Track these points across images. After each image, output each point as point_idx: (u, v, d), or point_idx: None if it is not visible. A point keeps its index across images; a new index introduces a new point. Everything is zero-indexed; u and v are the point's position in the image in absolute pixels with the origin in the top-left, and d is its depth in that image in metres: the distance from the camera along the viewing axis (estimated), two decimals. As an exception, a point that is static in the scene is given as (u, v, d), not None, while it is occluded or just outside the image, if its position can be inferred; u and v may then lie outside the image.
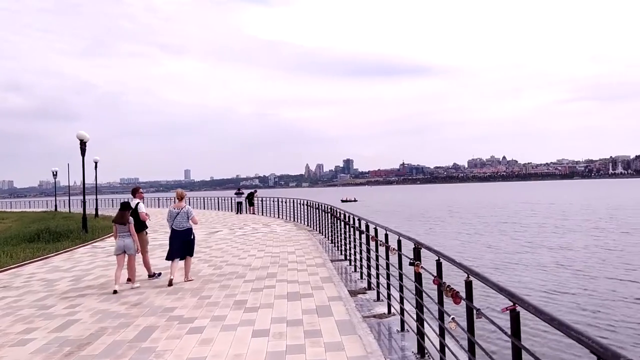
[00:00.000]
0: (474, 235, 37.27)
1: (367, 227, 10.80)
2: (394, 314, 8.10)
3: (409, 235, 7.26)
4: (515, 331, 3.41)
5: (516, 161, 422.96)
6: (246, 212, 36.90)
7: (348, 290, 9.86)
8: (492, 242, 32.77)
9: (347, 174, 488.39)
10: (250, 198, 37.21)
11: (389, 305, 8.40)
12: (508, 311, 3.43)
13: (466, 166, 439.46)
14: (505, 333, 3.47)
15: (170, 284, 10.82)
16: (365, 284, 10.68)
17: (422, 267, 6.23)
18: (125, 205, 11.53)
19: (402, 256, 7.44)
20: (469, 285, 4.52)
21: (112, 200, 62.38)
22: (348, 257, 13.63)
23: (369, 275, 10.48)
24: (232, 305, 8.76)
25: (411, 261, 6.40)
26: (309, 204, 24.77)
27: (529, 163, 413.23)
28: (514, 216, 54.00)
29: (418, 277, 6.27)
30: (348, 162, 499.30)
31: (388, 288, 8.46)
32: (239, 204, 38.01)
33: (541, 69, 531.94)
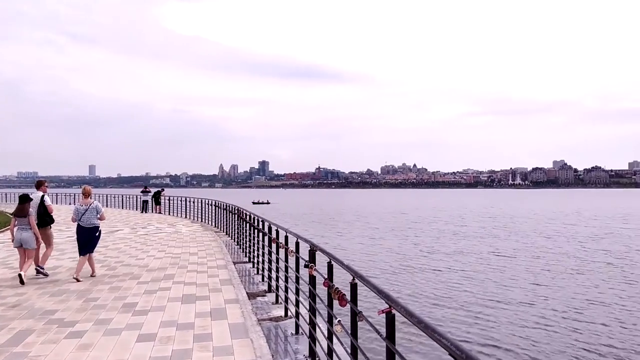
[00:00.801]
0: (377, 239, 38.36)
1: (269, 228, 10.68)
2: (290, 317, 8.02)
3: (306, 238, 7.20)
4: (390, 334, 3.38)
5: (426, 169, 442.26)
6: (152, 212, 35.53)
7: (247, 293, 9.69)
8: (394, 247, 33.86)
9: (262, 176, 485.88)
10: (156, 197, 35.84)
11: (286, 308, 8.32)
12: (384, 314, 3.41)
13: (379, 172, 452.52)
14: (381, 336, 3.44)
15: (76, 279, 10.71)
16: (266, 287, 10.54)
17: (315, 269, 6.17)
18: (24, 198, 11.02)
19: (299, 258, 7.38)
20: (354, 287, 4.52)
21: (7, 195, 58.01)
22: (252, 259, 13.42)
23: (269, 277, 10.35)
24: (120, 308, 8.29)
25: (306, 263, 6.35)
26: (216, 204, 24.27)
27: (437, 171, 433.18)
28: (418, 222, 56.23)
29: (312, 280, 6.24)
30: (264, 164, 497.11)
31: (285, 291, 8.39)
32: (145, 202, 36.49)
33: (449, 84, 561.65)
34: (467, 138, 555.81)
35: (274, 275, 9.72)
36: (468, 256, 29.61)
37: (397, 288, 20.33)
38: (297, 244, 7.62)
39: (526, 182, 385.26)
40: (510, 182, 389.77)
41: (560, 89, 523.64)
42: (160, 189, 37.77)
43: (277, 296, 9.35)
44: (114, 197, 46.68)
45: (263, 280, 11.23)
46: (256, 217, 12.91)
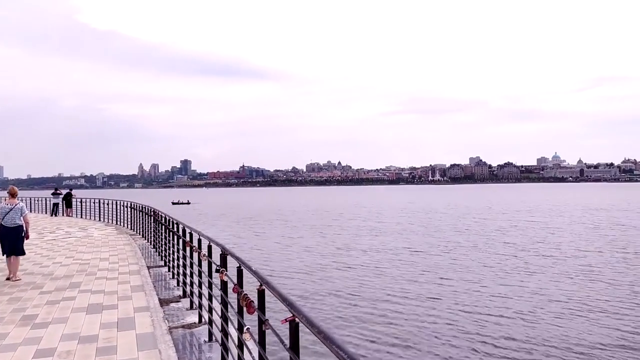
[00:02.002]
0: (295, 238, 38.58)
1: (183, 231, 10.28)
2: (205, 323, 7.74)
3: (217, 241, 6.95)
4: (294, 344, 3.27)
5: (350, 166, 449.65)
6: (62, 215, 33.51)
7: (160, 300, 9.30)
8: (311, 245, 34.22)
9: (184, 175, 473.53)
10: (67, 199, 33.84)
11: (200, 315, 8.03)
12: (287, 322, 3.28)
13: (304, 170, 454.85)
14: (285, 346, 3.32)
15: (8, 278, 10.81)
16: (181, 292, 10.16)
17: (226, 274, 5.96)
18: None
19: (212, 263, 7.12)
20: (261, 294, 4.39)
21: None
22: (167, 263, 12.90)
23: (184, 282, 9.97)
24: (18, 322, 7.69)
25: (217, 268, 6.14)
26: (132, 205, 23.25)
27: (361, 169, 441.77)
28: (338, 219, 57.05)
29: (224, 285, 6.05)
30: (186, 163, 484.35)
31: (199, 296, 8.10)
32: (55, 205, 34.36)
33: (371, 83, 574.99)
34: (389, 136, 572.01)
35: (188, 280, 9.38)
36: (382, 253, 30.46)
37: (309, 289, 20.56)
38: (209, 247, 7.33)
39: (445, 178, 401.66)
40: (430, 178, 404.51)
41: (474, 89, 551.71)
42: (69, 190, 35.70)
43: (191, 302, 9.02)
44: (22, 200, 43.57)
45: (178, 285, 10.78)
46: (170, 219, 12.41)
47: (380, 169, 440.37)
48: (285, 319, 3.27)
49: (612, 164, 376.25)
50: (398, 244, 34.58)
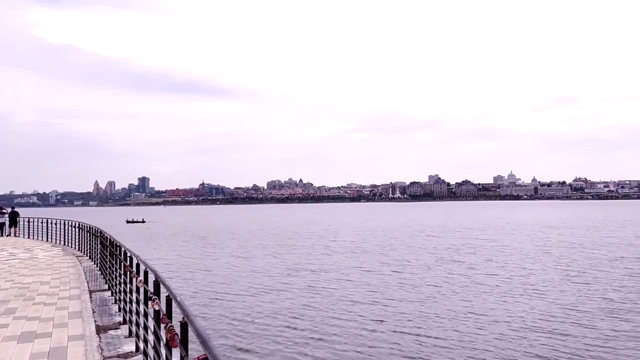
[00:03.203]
0: (246, 259, 37.85)
1: (125, 254, 10.19)
2: (141, 353, 7.64)
3: (152, 267, 6.95)
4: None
5: (312, 184, 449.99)
6: (8, 235, 32.42)
7: (98, 326, 8.91)
8: (260, 266, 33.62)
9: (142, 193, 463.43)
10: (13, 218, 32.77)
11: (137, 344, 7.78)
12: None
13: (265, 187, 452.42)
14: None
15: None
16: (121, 318, 9.98)
17: (157, 303, 5.97)
18: None
19: (147, 290, 7.09)
20: (184, 327, 4.27)
21: None
22: (111, 287, 12.68)
23: (124, 308, 9.84)
24: (-57, 353, 7.40)
25: (150, 296, 6.02)
26: (80, 226, 22.70)
27: (323, 186, 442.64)
28: (294, 238, 56.84)
29: (156, 315, 5.82)
30: (144, 181, 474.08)
31: (136, 324, 7.76)
32: (1, 225, 33.22)
33: (332, 101, 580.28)
34: (351, 154, 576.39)
35: (128, 306, 9.24)
36: (332, 273, 30.08)
37: (248, 314, 19.98)
38: (145, 273, 7.08)
39: (405, 196, 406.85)
40: (390, 195, 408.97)
41: (433, 108, 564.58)
42: (13, 209, 34.53)
43: (129, 329, 8.67)
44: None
45: (120, 311, 10.60)
46: (114, 241, 12.22)
47: (342, 186, 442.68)
48: (198, 357, 3.30)
49: (564, 183, 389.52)
50: (349, 263, 34.62)
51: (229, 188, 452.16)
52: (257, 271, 31.36)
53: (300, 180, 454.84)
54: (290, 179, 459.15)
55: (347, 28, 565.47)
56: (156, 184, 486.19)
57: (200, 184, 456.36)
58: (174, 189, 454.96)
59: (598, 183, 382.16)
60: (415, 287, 25.18)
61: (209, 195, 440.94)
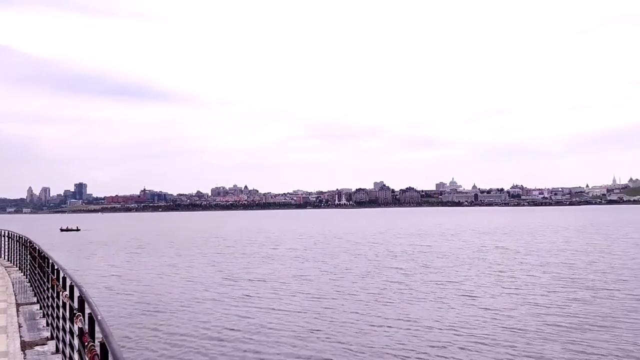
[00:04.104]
0: (183, 268, 36.68)
1: (52, 267, 9.06)
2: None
3: (77, 281, 6.17)
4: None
5: (257, 190, 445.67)
6: None
7: (24, 342, 8.42)
8: (195, 275, 32.66)
9: (79, 200, 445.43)
10: None
11: None
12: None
13: (210, 194, 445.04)
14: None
15: None
16: (49, 333, 9.16)
17: (81, 320, 5.40)
18: None
19: (72, 306, 6.40)
20: (103, 347, 4.11)
21: None
22: (40, 301, 11.57)
23: (52, 323, 9.01)
24: None
25: (74, 312, 5.68)
26: (9, 235, 21.21)
27: (268, 193, 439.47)
28: (234, 246, 55.54)
29: (80, 332, 5.43)
30: (81, 187, 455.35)
31: (62, 340, 7.35)
32: None
33: (278, 106, 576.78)
34: (297, 160, 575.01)
35: (56, 322, 8.43)
36: (269, 282, 29.52)
37: (178, 328, 19.18)
38: (71, 287, 6.66)
39: (350, 202, 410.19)
40: (336, 202, 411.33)
41: (378, 116, 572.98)
42: None
43: (57, 345, 8.12)
44: None
45: (47, 325, 9.76)
46: (42, 252, 11.08)
47: (288, 193, 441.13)
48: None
49: (502, 190, 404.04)
50: (289, 271, 33.91)
51: (171, 195, 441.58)
52: (193, 281, 30.42)
53: (246, 186, 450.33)
54: (235, 186, 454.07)
55: (289, 34, 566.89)
56: (94, 191, 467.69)
57: (142, 191, 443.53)
58: (113, 195, 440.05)
59: (533, 190, 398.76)
60: (353, 295, 25.06)
61: (151, 202, 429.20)
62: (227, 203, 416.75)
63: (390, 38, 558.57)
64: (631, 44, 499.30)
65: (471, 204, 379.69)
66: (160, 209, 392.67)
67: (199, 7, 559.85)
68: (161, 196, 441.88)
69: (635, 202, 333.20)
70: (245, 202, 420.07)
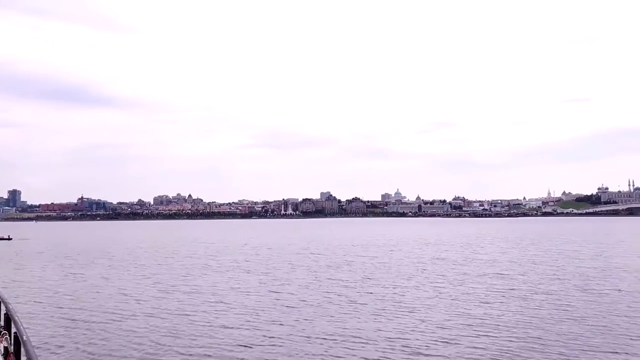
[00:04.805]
0: (116, 280, 35.29)
1: None
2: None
3: (4, 298, 5.60)
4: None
5: (201, 200, 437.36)
6: None
7: None
8: (131, 288, 31.48)
9: (12, 207, 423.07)
10: None
11: None
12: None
13: (152, 203, 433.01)
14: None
15: None
16: None
17: (7, 339, 5.30)
18: None
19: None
20: None
21: None
22: None
23: None
24: None
25: (1, 330, 5.56)
26: None
27: (213, 202, 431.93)
28: (172, 256, 53.87)
29: (5, 351, 5.35)
30: (15, 194, 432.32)
31: None
32: None
33: (224, 114, 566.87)
34: (242, 169, 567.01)
35: None
36: (206, 295, 28.77)
37: (106, 343, 18.41)
38: None
39: (297, 212, 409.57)
40: (283, 212, 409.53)
41: (326, 126, 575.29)
42: None
43: None
44: None
45: None
46: None
47: (233, 202, 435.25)
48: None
49: (444, 201, 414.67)
50: (227, 283, 33.15)
51: (111, 203, 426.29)
52: (126, 294, 29.26)
53: (190, 195, 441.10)
54: (178, 194, 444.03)
55: (239, 41, 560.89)
56: (29, 198, 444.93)
57: (79, 199, 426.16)
58: (49, 203, 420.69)
59: (474, 202, 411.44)
60: (291, 308, 24.75)
61: (89, 210, 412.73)
62: (170, 212, 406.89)
63: (342, 49, 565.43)
64: (565, 64, 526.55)
65: (415, 215, 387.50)
66: (98, 218, 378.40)
67: (148, 11, 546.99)
68: (100, 204, 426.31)
69: (567, 214, 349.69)
70: (189, 211, 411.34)
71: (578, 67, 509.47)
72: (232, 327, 20.62)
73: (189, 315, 23.15)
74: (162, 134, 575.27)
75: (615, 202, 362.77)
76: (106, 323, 21.46)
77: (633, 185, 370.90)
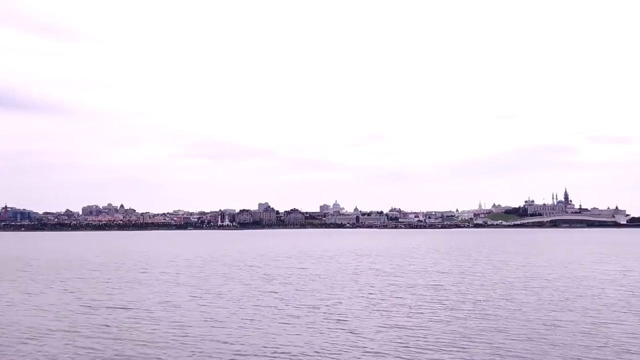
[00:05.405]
0: (34, 295, 33.24)
1: None
2: None
3: None
4: None
5: (134, 210, 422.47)
6: None
7: None
8: (51, 303, 29.71)
9: None
10: None
11: None
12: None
13: (80, 213, 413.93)
14: None
15: None
16: None
17: None
18: None
19: None
20: None
21: None
22: None
23: None
24: None
25: None
26: None
27: (146, 212, 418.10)
28: (98, 269, 51.40)
29: None
30: None
31: None
32: None
33: (160, 122, 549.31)
34: (178, 179, 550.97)
35: None
36: (133, 310, 27.66)
37: None
38: None
39: (234, 223, 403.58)
40: (219, 223, 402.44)
41: (264, 137, 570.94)
42: None
43: None
44: None
45: None
46: None
47: (168, 213, 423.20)
48: None
49: (381, 212, 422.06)
50: (156, 297, 31.92)
51: (37, 213, 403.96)
52: (46, 310, 27.64)
53: (122, 205, 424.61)
54: (109, 204, 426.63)
55: (173, 49, 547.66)
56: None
57: (3, 208, 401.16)
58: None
59: (410, 213, 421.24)
60: (220, 322, 24.22)
61: (13, 220, 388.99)
62: (101, 223, 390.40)
63: (277, 61, 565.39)
64: (498, 80, 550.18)
65: (353, 226, 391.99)
66: (23, 229, 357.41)
67: (80, 15, 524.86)
68: (25, 214, 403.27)
69: (497, 225, 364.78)
70: (121, 222, 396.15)
71: (507, 84, 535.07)
72: (157, 344, 19.81)
73: (111, 331, 22.13)
74: (92, 142, 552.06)
75: (540, 214, 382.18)
76: (19, 341, 20.12)
77: (556, 199, 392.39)
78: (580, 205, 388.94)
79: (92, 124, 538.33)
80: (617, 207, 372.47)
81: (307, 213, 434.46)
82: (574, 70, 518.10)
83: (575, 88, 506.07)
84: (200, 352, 18.66)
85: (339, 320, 24.32)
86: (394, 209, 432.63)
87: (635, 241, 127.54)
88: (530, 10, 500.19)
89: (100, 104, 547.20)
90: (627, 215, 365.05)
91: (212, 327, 22.99)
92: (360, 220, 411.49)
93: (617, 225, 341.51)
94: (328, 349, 19.08)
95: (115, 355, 18.20)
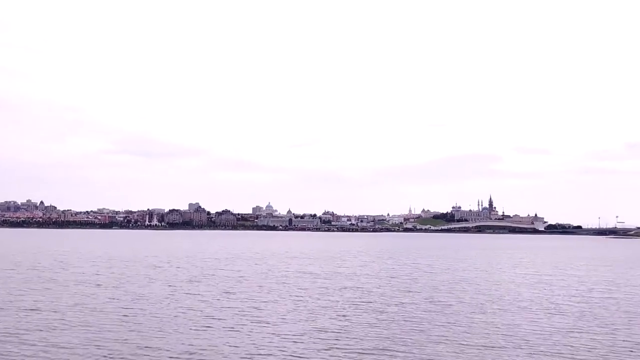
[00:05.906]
0: None
1: None
2: None
3: None
4: None
5: (55, 207, 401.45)
6: None
7: None
8: None
9: None
10: None
11: None
12: None
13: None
14: None
15: None
16: None
17: None
18: None
19: None
20: None
21: None
22: None
23: None
24: None
25: None
26: None
27: (68, 210, 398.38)
28: (14, 268, 48.11)
29: None
30: None
31: None
32: None
33: (84, 117, 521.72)
34: (103, 176, 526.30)
35: None
36: (44, 312, 26.00)
37: None
38: None
39: (163, 223, 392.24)
40: (147, 223, 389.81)
41: (196, 136, 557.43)
42: None
43: None
44: None
45: None
46: None
47: (92, 211, 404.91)
48: None
49: (315, 215, 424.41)
50: (72, 299, 30.14)
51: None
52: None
53: (42, 202, 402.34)
54: (28, 201, 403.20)
55: (107, 45, 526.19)
56: None
57: None
58: None
59: (342, 217, 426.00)
60: (140, 325, 23.10)
61: None
62: (18, 220, 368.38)
63: (212, 61, 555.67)
64: (431, 89, 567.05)
65: (286, 228, 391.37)
66: None
67: (7, 4, 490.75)
68: None
69: (425, 230, 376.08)
70: (40, 219, 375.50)
71: (439, 93, 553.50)
72: (69, 348, 18.59)
73: (19, 336, 20.55)
74: (18, 134, 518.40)
75: (466, 220, 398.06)
76: None
77: (482, 205, 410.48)
78: (503, 212, 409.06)
79: (9, 116, 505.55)
80: (536, 215, 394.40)
81: (239, 214, 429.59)
82: (501, 83, 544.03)
83: (502, 100, 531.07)
84: (113, 356, 17.68)
85: (264, 322, 23.97)
86: (327, 212, 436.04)
87: (551, 246, 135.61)
88: (460, 25, 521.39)
89: (15, 95, 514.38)
90: (545, 222, 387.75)
91: (130, 330, 21.94)
92: (293, 223, 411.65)
93: (535, 231, 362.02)
94: (252, 352, 18.68)
95: (19, 361, 16.91)
